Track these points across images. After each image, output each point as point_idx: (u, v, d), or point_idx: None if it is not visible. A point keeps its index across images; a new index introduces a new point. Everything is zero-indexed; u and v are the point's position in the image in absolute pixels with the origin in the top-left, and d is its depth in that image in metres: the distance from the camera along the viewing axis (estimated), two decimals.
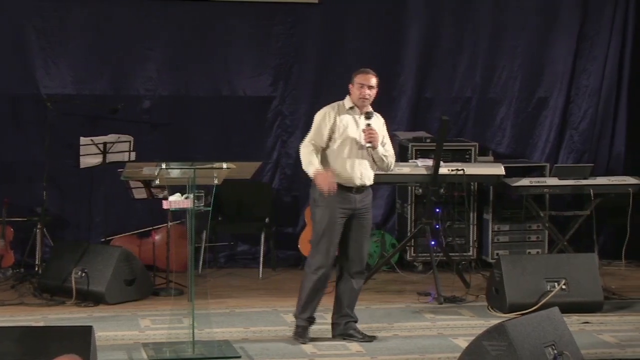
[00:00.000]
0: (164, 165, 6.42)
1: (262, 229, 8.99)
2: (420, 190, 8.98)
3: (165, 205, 6.45)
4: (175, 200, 6.40)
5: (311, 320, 6.84)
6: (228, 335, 6.84)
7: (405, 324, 7.31)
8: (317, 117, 6.75)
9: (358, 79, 6.72)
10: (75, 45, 9.09)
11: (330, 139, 6.67)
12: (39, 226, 8.60)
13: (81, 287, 7.74)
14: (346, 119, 6.70)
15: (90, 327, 5.47)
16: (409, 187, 9.13)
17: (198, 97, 9.37)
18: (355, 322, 6.88)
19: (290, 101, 9.51)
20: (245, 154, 9.09)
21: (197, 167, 6.43)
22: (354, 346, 6.68)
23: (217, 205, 6.86)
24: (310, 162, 6.59)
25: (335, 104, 6.78)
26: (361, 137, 6.66)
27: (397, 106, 9.65)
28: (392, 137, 9.36)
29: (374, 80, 6.73)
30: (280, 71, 9.45)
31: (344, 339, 6.80)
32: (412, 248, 9.14)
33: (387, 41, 9.60)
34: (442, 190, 8.76)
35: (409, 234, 8.94)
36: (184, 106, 9.29)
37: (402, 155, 9.21)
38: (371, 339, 6.81)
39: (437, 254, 8.56)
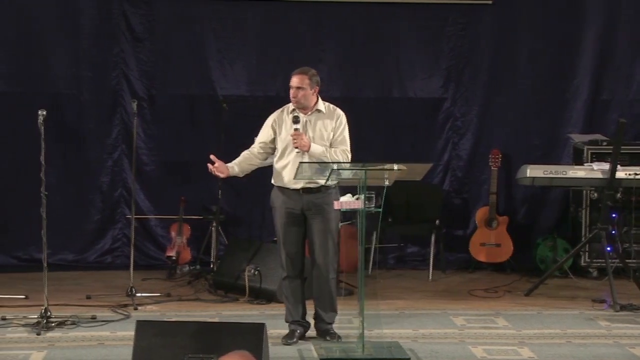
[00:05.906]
0: (335, 166, 6.47)
1: (432, 230, 8.95)
2: (596, 195, 8.75)
3: (337, 205, 6.50)
4: (346, 201, 6.44)
5: (302, 324, 6.78)
6: (397, 337, 6.84)
7: (579, 330, 7.14)
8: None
9: None
10: (250, 47, 9.27)
11: (274, 140, 6.70)
12: (214, 224, 8.81)
13: (254, 285, 7.89)
14: (285, 121, 6.70)
15: (263, 324, 5.54)
16: (584, 191, 8.91)
17: (368, 98, 9.41)
18: (325, 322, 6.76)
19: (462, 103, 9.43)
20: (415, 156, 9.06)
21: (368, 168, 6.46)
22: (525, 352, 6.56)
23: (387, 206, 6.87)
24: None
25: (284, 106, 6.80)
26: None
27: (572, 108, 9.43)
28: (566, 140, 9.29)
29: (295, 81, 6.65)
30: (451, 72, 9.38)
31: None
32: (587, 253, 8.92)
33: (562, 42, 9.39)
34: (618, 195, 8.53)
35: (583, 239, 8.73)
36: (355, 107, 9.28)
37: (576, 158, 9.01)
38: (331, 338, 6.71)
39: (613, 260, 8.32)
